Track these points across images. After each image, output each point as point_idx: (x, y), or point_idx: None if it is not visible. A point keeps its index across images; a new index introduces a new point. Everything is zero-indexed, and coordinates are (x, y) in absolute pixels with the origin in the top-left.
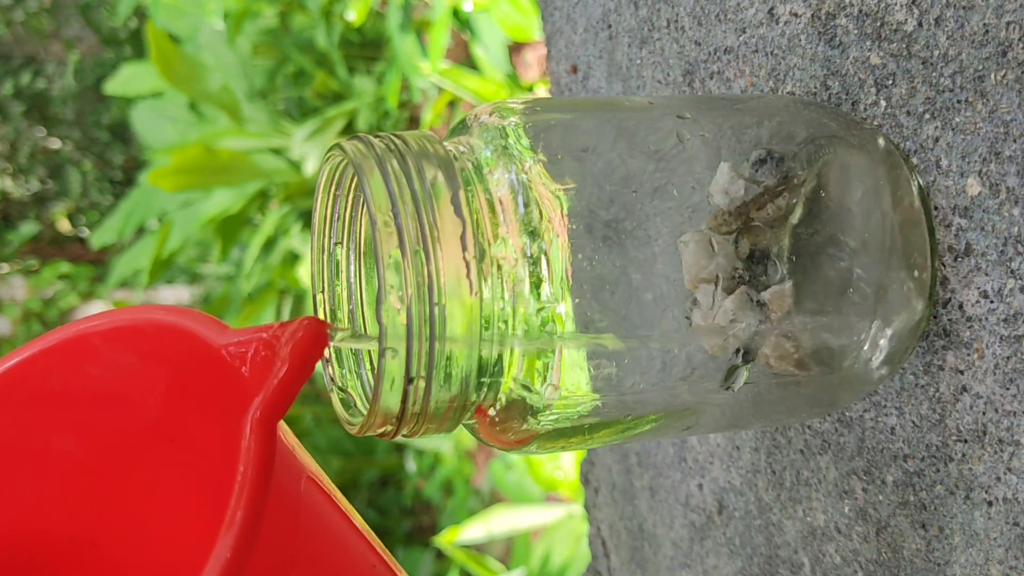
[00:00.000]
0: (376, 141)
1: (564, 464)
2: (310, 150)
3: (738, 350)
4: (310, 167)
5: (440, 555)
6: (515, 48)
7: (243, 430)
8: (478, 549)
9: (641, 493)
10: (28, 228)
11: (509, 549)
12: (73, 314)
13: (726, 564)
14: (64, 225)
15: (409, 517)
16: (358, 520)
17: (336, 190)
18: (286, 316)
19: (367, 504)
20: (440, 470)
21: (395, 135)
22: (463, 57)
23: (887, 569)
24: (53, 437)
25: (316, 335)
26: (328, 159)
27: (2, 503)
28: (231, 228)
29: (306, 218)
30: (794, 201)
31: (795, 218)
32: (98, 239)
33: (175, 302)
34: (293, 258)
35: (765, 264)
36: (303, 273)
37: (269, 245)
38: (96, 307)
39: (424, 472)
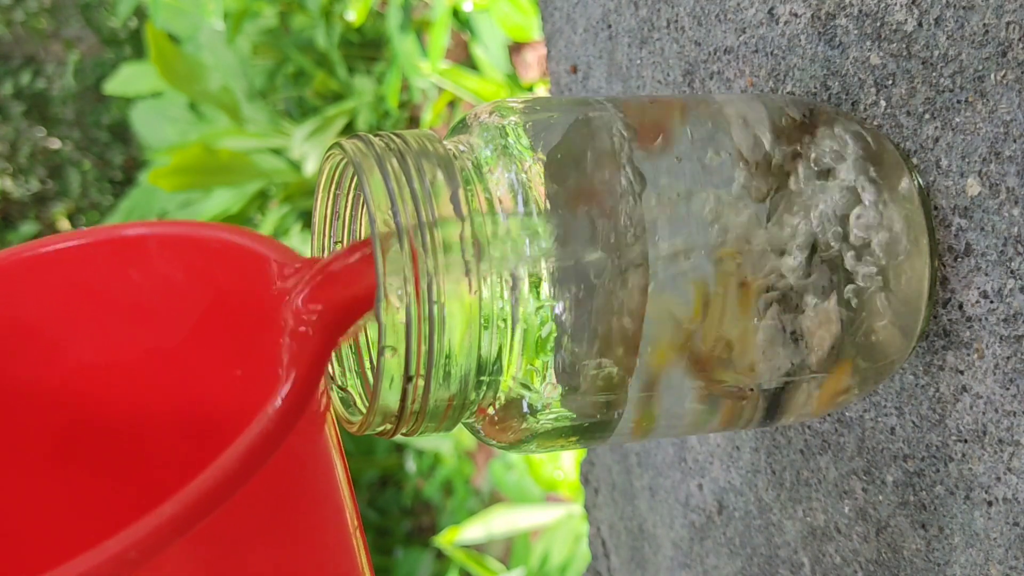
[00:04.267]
0: (376, 140)
1: (564, 464)
2: (310, 150)
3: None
4: (310, 167)
5: (440, 555)
6: (515, 48)
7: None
8: (478, 549)
9: (641, 493)
10: (28, 228)
11: (509, 549)
12: None
13: (726, 564)
14: (64, 225)
15: (409, 517)
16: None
17: (336, 189)
18: None
19: (367, 504)
20: (440, 470)
21: (395, 134)
22: (463, 57)
23: (887, 569)
24: (63, 334)
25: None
26: (328, 158)
27: None
28: None
29: (306, 218)
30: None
31: (846, 173)
32: None
33: None
34: None
35: (809, 265)
36: None
37: None
38: None
39: (424, 472)
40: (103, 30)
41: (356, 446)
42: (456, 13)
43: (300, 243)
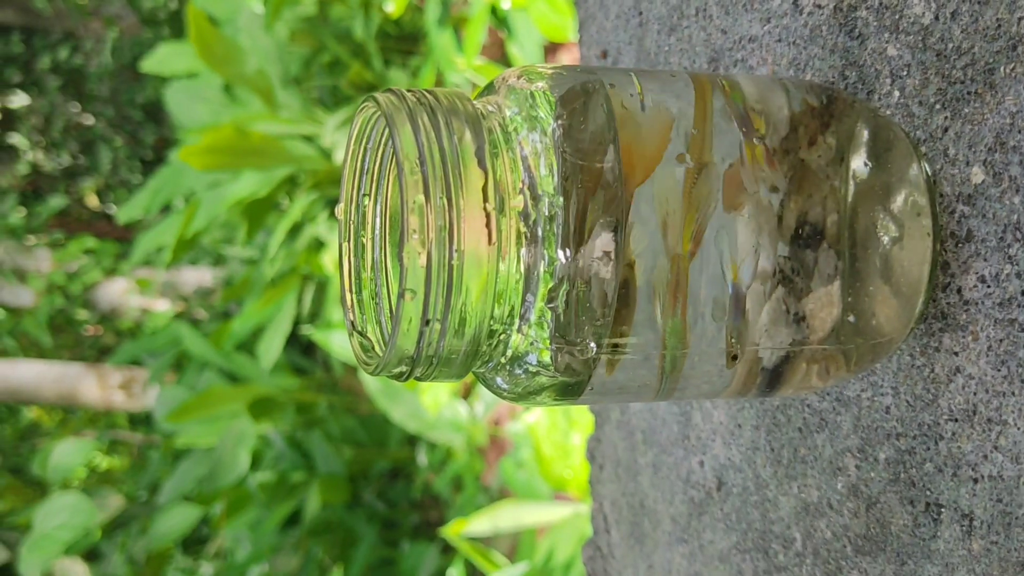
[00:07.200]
0: (408, 95)
1: (574, 462)
2: (341, 139)
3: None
4: (340, 156)
5: (445, 550)
6: (550, 48)
7: None
8: (484, 543)
9: (644, 470)
10: (57, 201)
11: (515, 546)
12: (96, 289)
13: (721, 539)
14: (92, 201)
15: (417, 511)
16: None
17: (367, 143)
18: (307, 303)
19: (376, 495)
20: (451, 465)
21: (427, 91)
22: (499, 55)
23: (874, 543)
24: None
25: None
26: (361, 110)
27: None
28: (258, 212)
29: (333, 206)
30: (849, 135)
31: (858, 165)
32: (125, 214)
33: (197, 283)
34: (318, 245)
35: (816, 250)
36: (327, 260)
37: (295, 231)
38: (118, 284)
39: (435, 467)
40: (143, 10)
41: (369, 437)
42: (494, 10)
43: (327, 231)
